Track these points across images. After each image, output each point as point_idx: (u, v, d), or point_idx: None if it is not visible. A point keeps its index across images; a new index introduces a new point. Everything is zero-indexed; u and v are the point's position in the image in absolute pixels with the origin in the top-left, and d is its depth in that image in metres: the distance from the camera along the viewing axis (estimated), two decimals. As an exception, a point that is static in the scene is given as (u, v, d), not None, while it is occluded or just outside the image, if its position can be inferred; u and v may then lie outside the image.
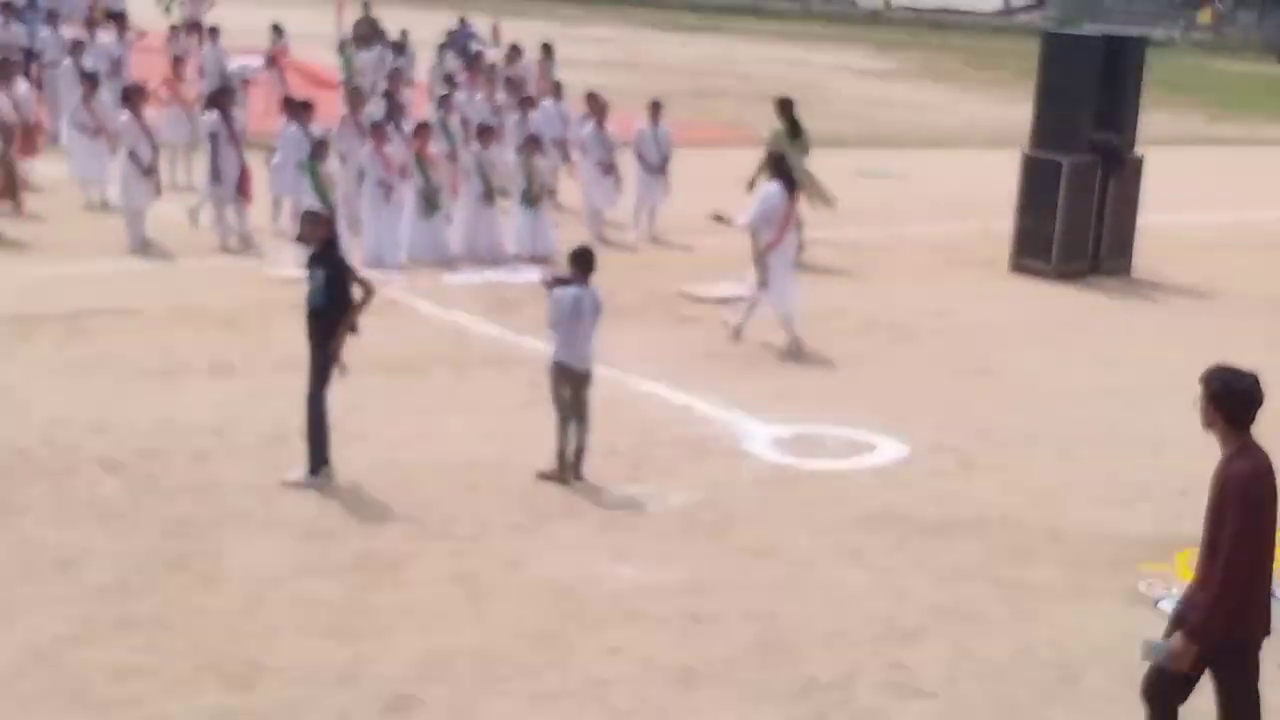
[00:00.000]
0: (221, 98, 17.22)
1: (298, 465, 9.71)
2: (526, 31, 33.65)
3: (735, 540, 9.37)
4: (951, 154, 28.53)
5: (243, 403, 11.13)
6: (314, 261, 9.67)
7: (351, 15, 30.83)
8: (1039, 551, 9.44)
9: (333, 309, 9.61)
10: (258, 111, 22.78)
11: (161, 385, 11.52)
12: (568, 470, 10.03)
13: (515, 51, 24.96)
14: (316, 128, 16.86)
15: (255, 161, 17.06)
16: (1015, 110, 26.72)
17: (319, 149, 15.95)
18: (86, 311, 13.34)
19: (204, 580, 8.26)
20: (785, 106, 18.17)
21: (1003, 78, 40.97)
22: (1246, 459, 5.98)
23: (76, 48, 21.25)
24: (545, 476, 10.02)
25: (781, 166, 14.43)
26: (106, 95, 18.89)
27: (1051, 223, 17.53)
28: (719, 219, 14.23)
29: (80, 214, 17.84)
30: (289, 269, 14.88)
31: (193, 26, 27.48)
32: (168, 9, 35.15)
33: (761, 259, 13.77)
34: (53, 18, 25.37)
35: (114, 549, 8.54)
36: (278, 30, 26.83)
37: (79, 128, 18.40)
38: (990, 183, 21.60)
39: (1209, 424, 6.13)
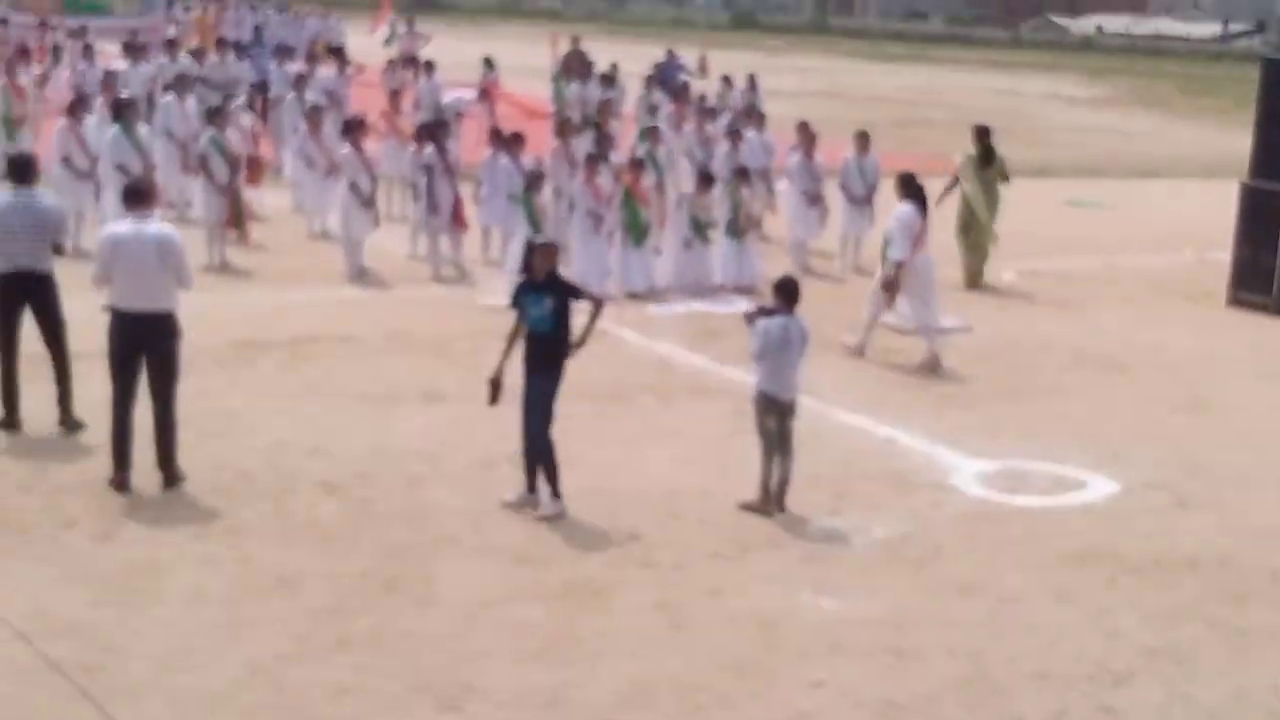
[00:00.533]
0: (436, 130, 17.67)
1: (548, 501, 9.81)
2: (731, 63, 33.84)
3: (940, 575, 9.28)
4: (1164, 184, 27.83)
5: (454, 429, 11.39)
6: (539, 289, 9.78)
7: (564, 49, 31.36)
8: (1258, 593, 9.16)
9: (561, 336, 9.78)
10: (470, 144, 23.33)
11: (377, 411, 11.87)
12: (770, 501, 10.06)
13: (726, 83, 25.13)
14: (527, 159, 17.21)
15: (467, 192, 17.47)
16: (1232, 139, 26.03)
17: (534, 180, 16.26)
18: (307, 338, 13.80)
19: (417, 603, 8.48)
20: (981, 134, 18.19)
21: (1219, 105, 39.90)
22: None
23: (300, 82, 22.01)
24: (747, 507, 10.06)
25: (912, 186, 14.22)
26: (328, 128, 19.52)
27: (1272, 255, 17.00)
28: (889, 288, 14.13)
29: (303, 243, 18.46)
30: (499, 298, 15.19)
31: (409, 61, 28.33)
32: (386, 43, 36.26)
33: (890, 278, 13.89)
34: (281, 53, 26.39)
35: (331, 570, 8.82)
36: (489, 63, 27.47)
37: (304, 160, 19.01)
38: (1205, 213, 21.08)
39: None
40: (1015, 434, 12.09)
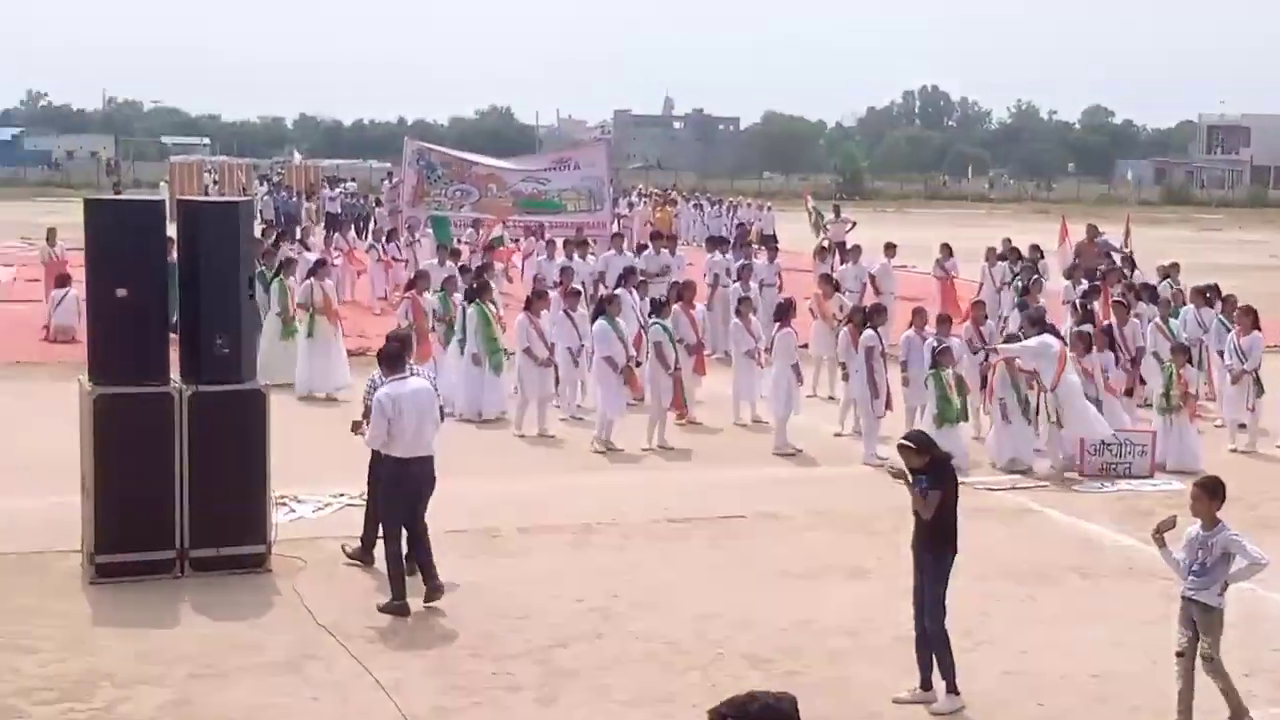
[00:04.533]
0: (876, 315, 17.87)
1: (944, 697, 9.65)
2: (1163, 240, 33.06)
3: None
4: None
5: (876, 605, 11.51)
6: (923, 473, 9.66)
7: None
8: None
9: (944, 520, 9.72)
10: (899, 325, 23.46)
11: (801, 586, 12.15)
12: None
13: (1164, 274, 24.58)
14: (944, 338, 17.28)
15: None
16: None
17: (940, 357, 16.35)
18: (735, 515, 14.29)
19: (837, 774, 8.65)
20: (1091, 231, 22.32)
21: None
22: None
23: (744, 271, 22.74)
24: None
25: (1044, 324, 17.17)
26: (761, 314, 20.09)
27: None
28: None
29: (735, 425, 18.97)
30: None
31: (837, 246, 29.05)
32: (818, 228, 37.26)
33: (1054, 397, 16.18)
34: (714, 243, 27.61)
35: (755, 739, 9.07)
36: (946, 249, 27.76)
37: (742, 347, 19.45)
38: None
39: None
40: None
